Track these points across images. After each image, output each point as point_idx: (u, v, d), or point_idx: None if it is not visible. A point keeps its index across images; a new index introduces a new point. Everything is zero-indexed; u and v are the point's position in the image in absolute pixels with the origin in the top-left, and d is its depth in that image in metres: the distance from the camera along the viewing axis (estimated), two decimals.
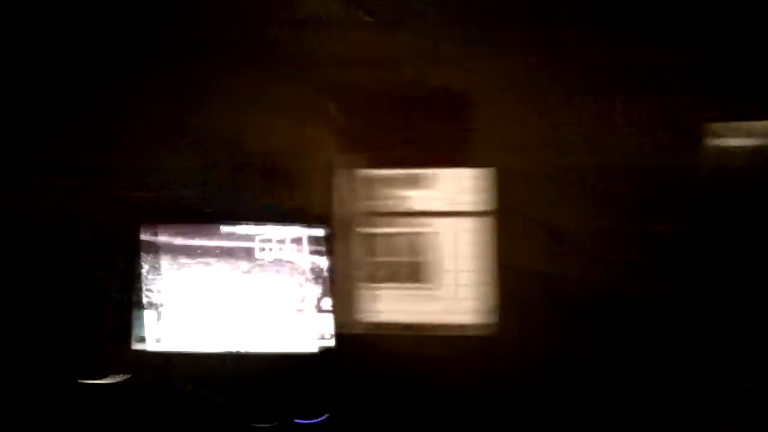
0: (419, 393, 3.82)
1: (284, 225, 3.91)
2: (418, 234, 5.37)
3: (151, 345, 3.90)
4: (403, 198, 4.58)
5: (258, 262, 3.92)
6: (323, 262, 3.91)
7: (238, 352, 3.90)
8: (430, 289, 5.19)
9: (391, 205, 4.33)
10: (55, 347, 3.98)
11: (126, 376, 3.89)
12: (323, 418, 3.75)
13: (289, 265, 3.92)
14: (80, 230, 4.07)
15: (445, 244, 5.27)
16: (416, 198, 4.55)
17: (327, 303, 3.90)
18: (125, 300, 3.91)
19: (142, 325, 3.90)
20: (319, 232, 3.90)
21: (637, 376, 3.70)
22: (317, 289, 3.90)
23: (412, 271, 5.14)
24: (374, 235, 4.36)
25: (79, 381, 3.87)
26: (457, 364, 3.87)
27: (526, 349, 3.83)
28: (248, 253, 3.93)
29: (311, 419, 3.75)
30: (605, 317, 3.73)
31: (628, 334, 3.72)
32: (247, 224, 3.91)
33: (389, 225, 4.35)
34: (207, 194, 4.02)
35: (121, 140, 4.10)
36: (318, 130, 4.02)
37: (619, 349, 3.71)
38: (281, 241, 3.92)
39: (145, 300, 3.91)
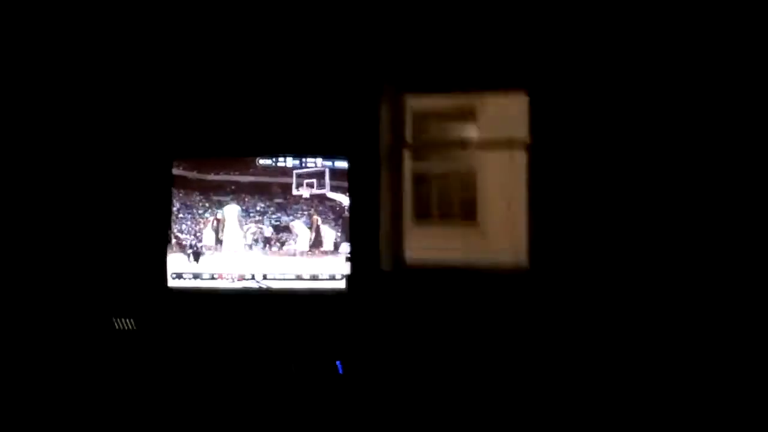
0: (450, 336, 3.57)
1: (322, 158, 3.62)
2: (460, 169, 5.07)
3: (184, 282, 3.68)
4: (448, 130, 4.26)
5: (293, 198, 3.65)
6: (355, 199, 3.64)
7: (268, 288, 3.65)
8: (470, 225, 4.88)
9: (436, 137, 4.03)
10: (89, 286, 3.79)
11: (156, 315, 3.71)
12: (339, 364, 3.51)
13: (327, 202, 3.65)
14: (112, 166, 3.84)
15: (488, 180, 4.95)
16: (460, 130, 4.23)
17: (348, 243, 3.67)
18: (158, 237, 3.69)
19: (174, 263, 3.68)
20: (344, 164, 3.63)
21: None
22: (346, 227, 3.63)
23: (453, 207, 4.84)
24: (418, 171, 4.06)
25: (114, 319, 3.70)
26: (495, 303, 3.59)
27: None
28: (284, 190, 3.66)
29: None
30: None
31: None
32: (285, 157, 3.64)
33: (433, 159, 4.07)
34: (242, 127, 3.73)
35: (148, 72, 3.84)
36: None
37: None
38: (320, 175, 3.64)
39: (175, 238, 3.68)
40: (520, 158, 4.27)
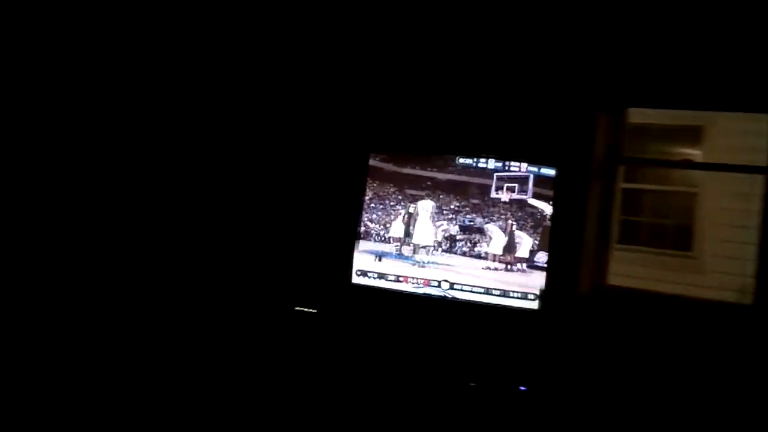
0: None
1: (528, 163, 3.34)
2: (678, 193, 4.58)
3: (368, 281, 3.59)
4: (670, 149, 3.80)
5: (491, 201, 3.41)
6: (560, 208, 3.32)
7: (453, 298, 3.45)
8: (683, 256, 4.39)
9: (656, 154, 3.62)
10: (274, 276, 3.83)
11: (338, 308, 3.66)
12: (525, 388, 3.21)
13: (527, 209, 3.37)
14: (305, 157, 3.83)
15: (709, 208, 4.42)
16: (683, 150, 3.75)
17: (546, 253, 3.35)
18: (348, 231, 3.63)
19: (361, 259, 3.60)
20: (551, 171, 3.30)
21: None
22: (544, 237, 3.33)
23: (664, 233, 4.38)
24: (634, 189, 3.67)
25: (296, 309, 3.69)
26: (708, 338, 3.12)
27: None
28: (482, 191, 3.43)
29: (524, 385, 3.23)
30: None
31: None
32: (487, 158, 3.41)
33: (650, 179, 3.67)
34: (446, 124, 3.55)
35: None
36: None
37: None
38: (522, 180, 3.37)
39: (363, 226, 3.59)
40: (752, 186, 3.75)
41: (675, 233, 4.10)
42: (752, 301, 3.19)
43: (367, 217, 3.61)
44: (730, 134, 4.09)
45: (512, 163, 3.39)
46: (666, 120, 4.60)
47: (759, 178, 3.35)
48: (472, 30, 3.58)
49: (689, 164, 3.72)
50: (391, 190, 3.58)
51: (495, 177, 3.42)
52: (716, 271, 3.68)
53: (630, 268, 3.58)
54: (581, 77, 3.39)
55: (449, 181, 3.50)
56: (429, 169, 3.52)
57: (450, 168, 3.49)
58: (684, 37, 3.23)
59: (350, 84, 3.80)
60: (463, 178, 3.48)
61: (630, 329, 3.28)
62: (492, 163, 3.42)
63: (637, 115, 3.64)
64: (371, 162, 3.60)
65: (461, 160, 3.47)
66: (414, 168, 3.55)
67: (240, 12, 3.87)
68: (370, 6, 3.71)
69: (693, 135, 4.35)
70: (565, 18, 3.40)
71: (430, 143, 3.56)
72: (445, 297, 3.48)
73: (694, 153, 4.20)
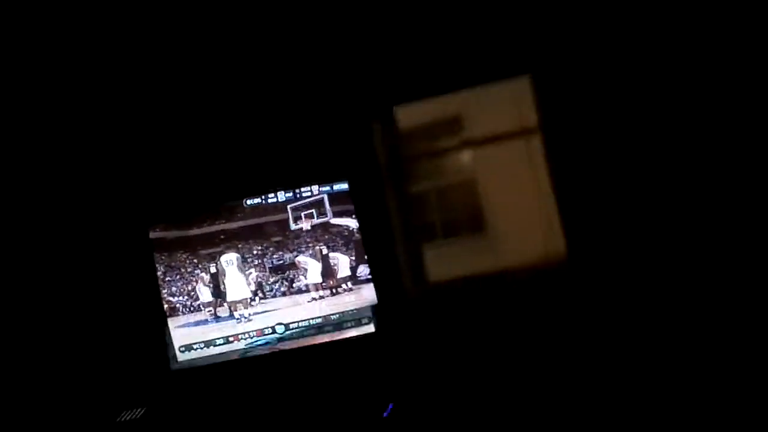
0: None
1: (319, 185, 3.19)
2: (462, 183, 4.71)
3: (195, 354, 3.23)
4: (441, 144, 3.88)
5: (294, 233, 3.22)
6: (363, 219, 3.23)
7: (281, 350, 3.22)
8: (480, 238, 4.52)
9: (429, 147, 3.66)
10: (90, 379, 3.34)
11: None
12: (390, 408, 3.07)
13: (333, 229, 3.22)
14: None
15: (493, 186, 4.60)
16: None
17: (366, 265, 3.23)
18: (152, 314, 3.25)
19: (179, 335, 3.24)
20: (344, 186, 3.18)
21: None
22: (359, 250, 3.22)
23: (462, 222, 4.47)
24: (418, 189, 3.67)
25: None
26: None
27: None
28: (281, 227, 3.22)
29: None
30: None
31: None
32: (275, 191, 3.21)
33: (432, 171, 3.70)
34: (216, 169, 3.29)
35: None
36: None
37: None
38: (318, 204, 3.21)
39: (166, 303, 3.23)
40: (522, 150, 3.92)
41: (469, 221, 4.23)
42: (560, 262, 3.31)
43: (167, 292, 3.25)
44: (486, 112, 4.27)
45: (303, 190, 3.22)
46: (428, 118, 4.73)
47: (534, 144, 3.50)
48: (223, 59, 3.34)
49: (470, 143, 3.79)
50: (184, 256, 3.25)
51: (289, 209, 3.23)
52: (511, 243, 3.82)
53: (442, 262, 3.58)
54: (348, 86, 3.30)
55: (242, 227, 3.24)
56: (217, 222, 3.24)
57: (239, 214, 3.24)
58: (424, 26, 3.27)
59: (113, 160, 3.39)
60: (256, 220, 3.24)
61: (459, 318, 3.27)
62: (282, 195, 3.21)
63: (405, 119, 3.66)
64: (152, 234, 3.23)
65: (249, 202, 3.22)
66: (201, 227, 3.24)
67: None
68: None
69: (455, 124, 4.53)
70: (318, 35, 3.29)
71: (213, 194, 3.27)
72: (275, 350, 3.23)
73: (465, 137, 4.35)
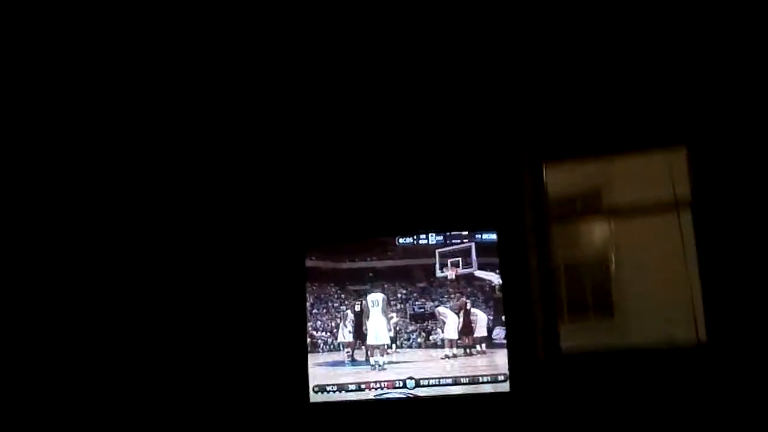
0: None
1: (468, 231, 3.28)
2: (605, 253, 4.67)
3: (328, 396, 3.27)
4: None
5: (438, 281, 3.28)
6: (507, 276, 3.26)
7: (417, 397, 3.21)
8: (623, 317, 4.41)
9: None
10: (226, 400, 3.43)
11: None
12: None
13: (476, 282, 3.26)
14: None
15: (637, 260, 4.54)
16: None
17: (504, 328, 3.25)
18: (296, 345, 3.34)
19: (315, 374, 3.31)
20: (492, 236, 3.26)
21: None
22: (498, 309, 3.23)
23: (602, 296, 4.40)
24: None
25: None
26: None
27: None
28: (427, 272, 3.30)
29: None
30: None
31: None
32: (427, 233, 3.31)
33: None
34: (374, 207, 3.46)
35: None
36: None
37: None
38: (465, 253, 3.28)
39: (309, 337, 3.33)
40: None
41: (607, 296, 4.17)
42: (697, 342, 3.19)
43: (311, 325, 3.35)
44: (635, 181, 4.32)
45: (453, 235, 3.31)
46: (578, 181, 4.81)
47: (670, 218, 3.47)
48: (388, 104, 3.60)
49: (617, 211, 3.79)
50: (334, 290, 3.37)
51: (437, 254, 3.32)
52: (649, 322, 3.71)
53: (578, 333, 3.52)
54: (500, 137, 3.45)
55: (391, 268, 3.35)
56: (368, 258, 3.37)
57: (389, 253, 3.36)
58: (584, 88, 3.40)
59: (275, 184, 3.64)
60: (405, 261, 3.35)
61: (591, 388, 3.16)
62: (433, 238, 3.32)
63: (555, 180, 3.74)
64: (308, 263, 3.39)
65: (401, 241, 3.35)
66: (353, 261, 3.38)
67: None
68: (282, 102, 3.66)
69: (605, 190, 4.61)
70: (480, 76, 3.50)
71: (367, 228, 3.42)
72: (409, 397, 3.22)
73: (613, 206, 4.37)
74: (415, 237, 3.34)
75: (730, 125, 3.19)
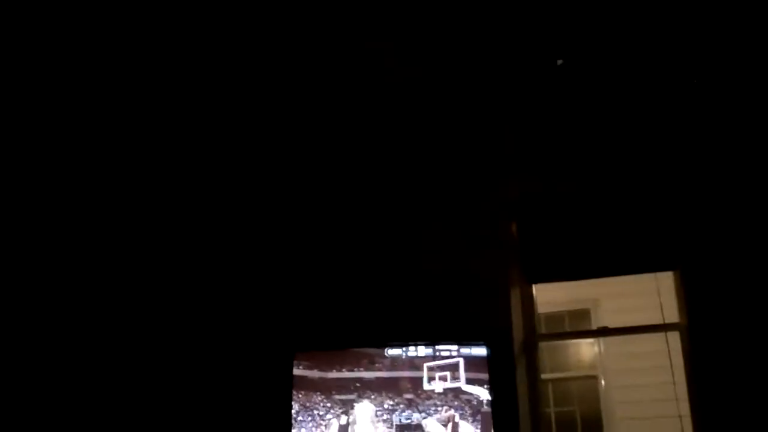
0: None
1: (458, 345, 3.28)
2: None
3: None
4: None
5: (425, 393, 3.26)
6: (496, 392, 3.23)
7: None
8: None
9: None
10: None
11: None
12: None
13: (463, 396, 3.24)
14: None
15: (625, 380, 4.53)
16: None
17: None
18: None
19: None
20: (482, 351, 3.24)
21: None
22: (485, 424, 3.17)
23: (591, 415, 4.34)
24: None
25: None
26: None
27: None
28: (414, 384, 3.28)
29: None
30: None
31: None
32: (416, 345, 3.31)
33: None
34: (364, 317, 3.47)
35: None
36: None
37: None
38: (453, 367, 3.27)
39: None
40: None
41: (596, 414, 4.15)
42: None
43: None
44: (625, 303, 4.38)
45: (442, 348, 3.31)
46: (559, 308, 4.88)
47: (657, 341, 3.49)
48: (382, 213, 3.68)
49: (606, 331, 3.83)
50: (319, 398, 3.33)
51: (425, 367, 3.31)
52: None
53: None
54: (494, 254, 3.52)
55: (379, 378, 3.32)
56: (356, 369, 3.35)
57: (377, 365, 3.34)
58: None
59: (267, 290, 3.66)
60: (393, 373, 3.32)
61: None
62: (422, 350, 3.31)
63: (544, 298, 3.79)
64: (295, 371, 3.35)
65: (390, 352, 3.34)
66: (340, 370, 3.35)
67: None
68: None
69: (593, 312, 4.66)
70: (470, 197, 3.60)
71: (356, 337, 3.42)
72: None
73: (602, 326, 4.42)
74: (404, 348, 3.32)
75: (721, 249, 3.25)
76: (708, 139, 3.38)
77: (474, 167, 3.66)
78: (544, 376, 4.09)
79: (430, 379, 3.29)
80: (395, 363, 3.33)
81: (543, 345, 3.66)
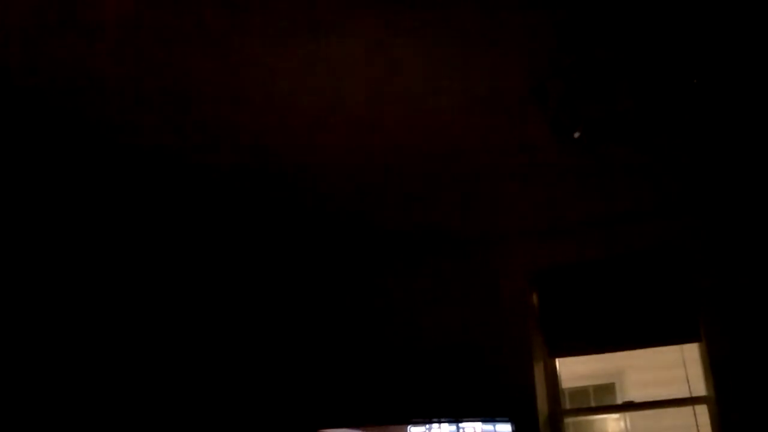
0: None
1: (482, 421, 3.22)
2: None
3: None
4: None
5: None
6: None
7: None
8: None
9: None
10: None
11: None
12: None
13: None
14: None
15: None
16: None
17: None
18: None
19: None
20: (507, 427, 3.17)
21: None
22: None
23: None
24: None
25: None
26: None
27: None
28: None
29: None
30: None
31: None
32: (440, 422, 3.26)
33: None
34: (387, 393, 3.44)
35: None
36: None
37: None
38: None
39: None
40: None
41: None
42: None
43: None
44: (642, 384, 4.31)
45: (466, 425, 3.25)
46: (583, 382, 4.81)
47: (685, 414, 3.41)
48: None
49: (631, 405, 3.75)
50: None
51: None
52: None
53: None
54: (516, 327, 3.50)
55: None
56: None
57: None
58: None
59: (290, 366, 3.66)
60: None
61: None
62: (446, 428, 3.25)
63: (567, 372, 3.74)
64: None
65: (413, 429, 3.28)
66: None
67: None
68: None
69: (617, 385, 4.58)
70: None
71: (380, 413, 3.38)
72: None
73: (627, 400, 4.35)
74: (427, 426, 3.27)
75: (747, 319, 3.21)
76: (730, 202, 3.38)
77: (494, 238, 3.67)
78: None
79: None
80: None
81: (568, 421, 3.57)
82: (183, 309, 3.80)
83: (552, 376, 3.53)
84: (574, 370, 4.25)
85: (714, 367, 3.23)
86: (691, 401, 3.55)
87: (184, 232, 3.54)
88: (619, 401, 4.96)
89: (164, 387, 3.65)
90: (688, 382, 3.54)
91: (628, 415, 4.99)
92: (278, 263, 3.90)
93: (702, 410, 3.42)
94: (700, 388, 3.39)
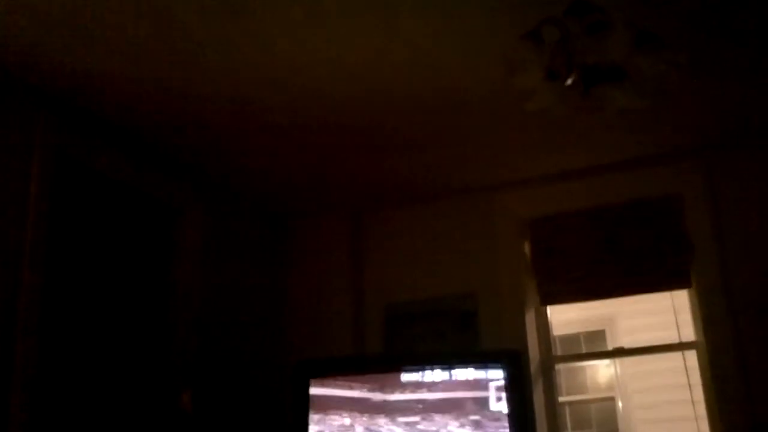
0: None
1: (474, 368, 3.25)
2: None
3: None
4: None
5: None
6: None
7: None
8: None
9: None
10: None
11: None
12: None
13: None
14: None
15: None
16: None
17: None
18: None
19: None
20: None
21: None
22: None
23: None
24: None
25: None
26: None
27: None
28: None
29: None
30: None
31: None
32: (432, 368, 3.28)
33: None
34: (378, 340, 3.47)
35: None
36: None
37: None
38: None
39: None
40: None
41: None
42: None
43: None
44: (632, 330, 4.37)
45: (458, 372, 3.24)
46: (574, 329, 4.88)
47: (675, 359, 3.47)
48: None
49: (622, 351, 3.82)
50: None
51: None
52: None
53: None
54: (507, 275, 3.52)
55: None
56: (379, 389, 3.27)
57: (394, 386, 3.27)
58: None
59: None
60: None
61: None
62: (438, 374, 3.25)
63: (559, 320, 3.79)
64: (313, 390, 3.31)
65: (406, 376, 3.26)
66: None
67: None
68: None
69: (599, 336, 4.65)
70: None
71: (373, 361, 3.41)
72: None
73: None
74: (420, 372, 3.27)
75: (736, 265, 3.23)
76: (724, 149, 3.37)
77: (487, 186, 3.67)
78: (561, 398, 4.07)
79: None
80: (407, 386, 3.27)
81: (559, 368, 3.63)
82: None
83: (543, 324, 3.57)
84: (566, 318, 4.29)
85: (703, 313, 3.27)
86: (680, 347, 3.61)
87: None
88: (610, 348, 5.05)
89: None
90: (677, 328, 3.59)
91: (619, 361, 5.07)
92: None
93: (691, 355, 3.48)
94: (689, 334, 3.44)
